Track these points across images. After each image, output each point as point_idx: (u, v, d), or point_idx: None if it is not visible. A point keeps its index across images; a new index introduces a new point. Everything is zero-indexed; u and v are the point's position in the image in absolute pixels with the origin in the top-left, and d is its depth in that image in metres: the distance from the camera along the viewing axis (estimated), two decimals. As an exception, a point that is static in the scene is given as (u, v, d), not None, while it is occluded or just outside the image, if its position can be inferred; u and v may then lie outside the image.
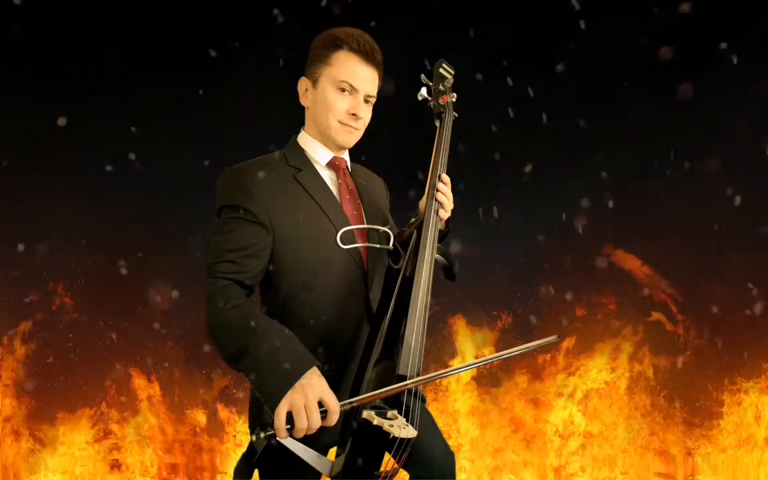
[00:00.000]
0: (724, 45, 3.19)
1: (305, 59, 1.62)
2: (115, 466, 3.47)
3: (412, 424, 1.36)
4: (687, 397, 3.49)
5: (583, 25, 3.17)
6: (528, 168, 3.45)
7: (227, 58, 3.33)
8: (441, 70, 1.73)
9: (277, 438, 1.29)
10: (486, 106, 3.22)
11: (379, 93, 1.62)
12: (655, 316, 3.54)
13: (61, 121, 3.10)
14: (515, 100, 3.28)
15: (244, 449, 1.44)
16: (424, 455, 1.56)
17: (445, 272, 1.63)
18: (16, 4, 3.13)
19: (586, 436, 3.55)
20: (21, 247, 3.29)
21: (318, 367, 1.33)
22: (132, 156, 3.30)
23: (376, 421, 1.31)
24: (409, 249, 1.53)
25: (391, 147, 2.71)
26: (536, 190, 3.46)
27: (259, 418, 1.52)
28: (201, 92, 3.28)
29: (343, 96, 1.56)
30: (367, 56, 1.56)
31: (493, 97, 3.31)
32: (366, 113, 1.60)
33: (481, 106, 3.23)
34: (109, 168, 3.28)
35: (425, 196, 1.59)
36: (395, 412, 1.34)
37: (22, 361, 3.40)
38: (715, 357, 3.45)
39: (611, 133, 3.39)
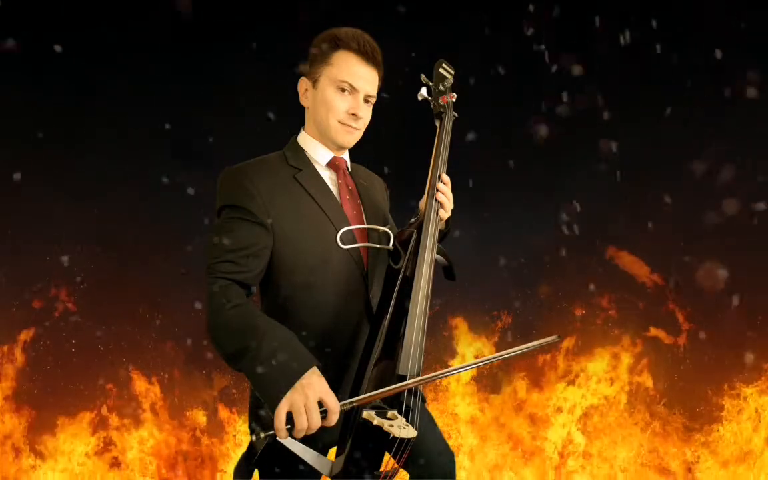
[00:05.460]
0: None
1: (305, 59, 1.62)
2: (115, 464, 3.47)
3: (412, 424, 1.36)
4: (687, 390, 3.49)
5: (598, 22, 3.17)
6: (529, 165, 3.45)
7: (228, 58, 3.33)
8: (441, 70, 1.73)
9: (277, 438, 1.29)
10: (486, 104, 3.22)
11: (379, 93, 1.62)
12: (655, 313, 3.55)
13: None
14: (515, 99, 3.28)
15: (244, 449, 1.44)
16: (424, 455, 1.55)
17: (445, 272, 1.63)
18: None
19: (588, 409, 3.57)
20: (21, 248, 3.30)
21: (318, 366, 1.33)
22: (133, 157, 3.30)
23: (376, 421, 1.31)
24: (409, 249, 1.53)
25: (391, 147, 2.71)
26: (537, 189, 3.45)
27: (259, 418, 1.52)
28: (202, 92, 3.28)
29: (343, 96, 1.56)
30: (367, 56, 1.56)
31: (493, 97, 3.31)
32: (366, 113, 1.60)
33: (481, 104, 3.23)
34: (109, 169, 3.28)
35: (425, 196, 1.59)
36: (395, 412, 1.34)
37: (22, 348, 3.40)
38: (714, 354, 3.46)
39: (612, 133, 3.38)
